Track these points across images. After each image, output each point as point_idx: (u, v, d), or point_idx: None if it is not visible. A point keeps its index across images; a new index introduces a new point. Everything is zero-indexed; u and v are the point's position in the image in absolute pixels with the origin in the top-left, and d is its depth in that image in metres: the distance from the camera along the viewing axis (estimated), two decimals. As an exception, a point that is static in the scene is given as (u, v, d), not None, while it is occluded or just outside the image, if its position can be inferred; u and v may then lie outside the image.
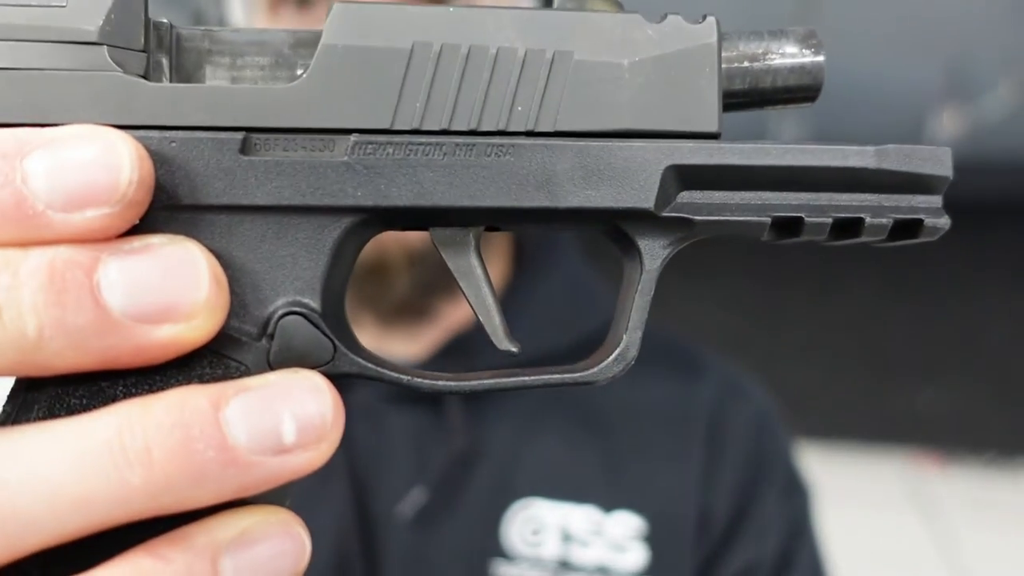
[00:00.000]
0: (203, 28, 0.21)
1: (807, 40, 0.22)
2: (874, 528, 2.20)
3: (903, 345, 2.84)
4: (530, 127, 0.20)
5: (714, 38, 0.21)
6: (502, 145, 0.20)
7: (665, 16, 0.21)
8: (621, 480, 0.55)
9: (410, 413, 0.56)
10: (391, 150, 0.20)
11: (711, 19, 0.21)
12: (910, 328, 2.84)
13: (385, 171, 0.20)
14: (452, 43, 0.20)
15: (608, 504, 0.54)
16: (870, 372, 2.84)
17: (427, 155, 0.20)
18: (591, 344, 0.59)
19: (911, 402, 2.80)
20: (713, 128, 0.21)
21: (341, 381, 0.20)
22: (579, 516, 0.54)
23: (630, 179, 0.20)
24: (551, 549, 0.54)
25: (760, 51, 0.22)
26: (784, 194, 0.22)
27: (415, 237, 0.50)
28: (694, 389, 0.60)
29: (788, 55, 0.22)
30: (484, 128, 0.20)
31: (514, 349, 0.23)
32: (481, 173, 0.20)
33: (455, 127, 0.20)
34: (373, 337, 0.57)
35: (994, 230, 2.79)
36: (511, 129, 0.20)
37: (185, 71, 0.20)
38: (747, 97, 0.22)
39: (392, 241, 0.50)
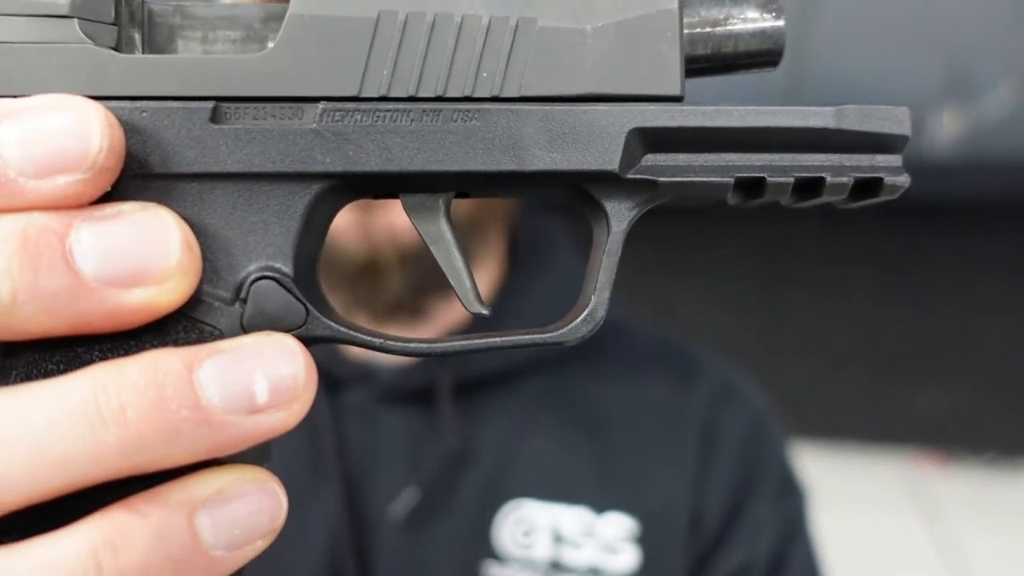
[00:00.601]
0: (174, 3, 0.21)
1: (767, 5, 0.22)
2: (873, 528, 2.20)
3: (903, 345, 2.84)
4: (495, 92, 0.21)
5: (675, 3, 0.21)
6: (468, 110, 0.20)
7: None
8: (613, 481, 0.55)
9: (402, 414, 0.56)
10: (359, 117, 0.20)
11: None
12: (910, 328, 2.84)
13: (353, 137, 0.20)
14: (417, 11, 0.20)
15: (600, 505, 0.54)
16: (870, 372, 2.84)
17: (394, 121, 0.20)
18: (588, 342, 0.60)
19: (911, 402, 2.80)
20: (676, 91, 0.21)
21: (316, 351, 0.20)
22: (571, 517, 0.54)
23: (595, 142, 0.21)
24: (542, 550, 0.53)
25: (722, 16, 0.22)
26: (747, 155, 0.22)
27: (407, 237, 0.51)
28: (688, 391, 0.60)
29: (749, 20, 0.22)
30: (450, 94, 0.20)
31: (485, 312, 0.23)
32: (448, 138, 0.21)
33: (422, 93, 0.20)
34: None
35: (994, 230, 2.78)
36: (477, 95, 0.20)
37: (157, 45, 0.21)
38: (710, 62, 0.22)
39: (385, 241, 0.50)
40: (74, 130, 0.18)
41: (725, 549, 0.56)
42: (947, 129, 2.15)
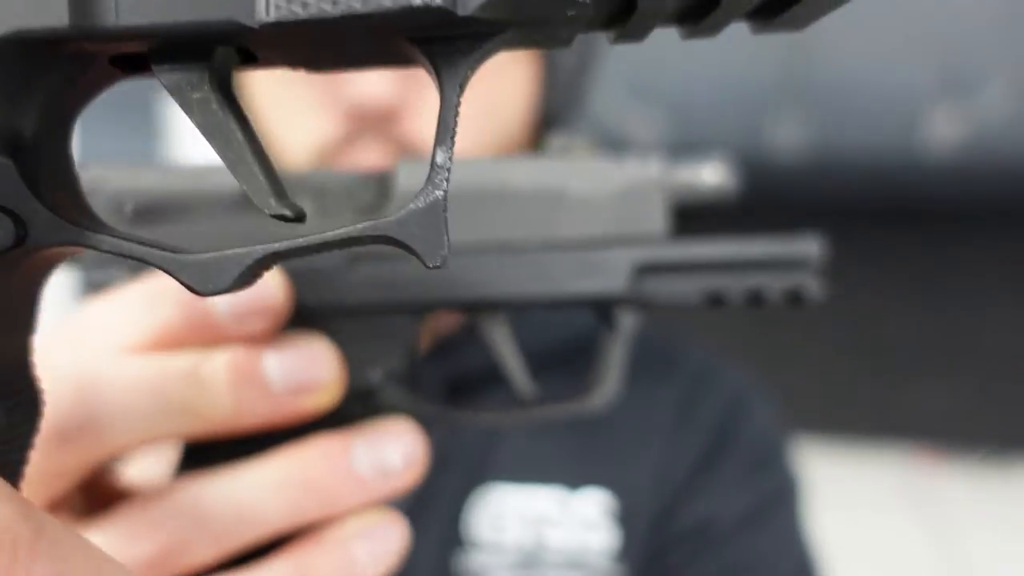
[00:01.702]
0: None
1: (719, 167, 0.31)
2: (871, 523, 2.22)
3: (901, 343, 2.85)
4: (541, 238, 0.30)
5: (659, 173, 0.30)
6: (526, 251, 0.30)
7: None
8: (588, 459, 0.56)
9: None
10: None
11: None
12: (908, 326, 2.86)
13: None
14: None
15: (574, 483, 0.55)
16: (868, 369, 2.85)
17: None
18: (585, 340, 0.61)
19: (909, 398, 2.82)
20: (660, 232, 0.30)
21: None
22: (545, 496, 0.55)
23: (610, 272, 0.30)
24: (516, 533, 0.54)
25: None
26: (718, 276, 0.30)
27: None
28: (664, 384, 0.60)
29: (709, 180, 0.31)
30: None
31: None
32: (512, 270, 0.29)
33: None
34: None
35: (991, 230, 2.80)
36: (529, 240, 0.30)
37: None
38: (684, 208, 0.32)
39: None
40: (265, 290, 0.25)
41: (687, 501, 0.56)
42: (942, 131, 2.17)
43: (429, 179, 0.19)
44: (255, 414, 0.25)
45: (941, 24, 1.74)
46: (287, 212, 0.20)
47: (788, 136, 2.42)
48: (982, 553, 2.18)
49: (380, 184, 0.27)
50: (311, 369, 0.26)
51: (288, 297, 0.26)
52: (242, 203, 0.26)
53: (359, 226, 0.19)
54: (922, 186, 2.72)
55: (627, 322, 0.30)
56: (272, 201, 0.20)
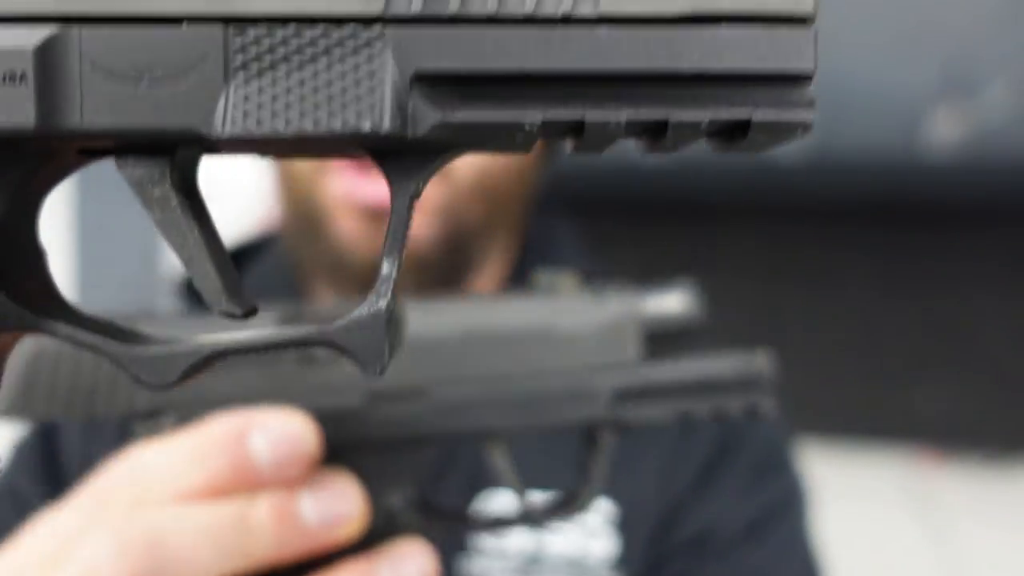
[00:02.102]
0: None
1: (685, 295, 0.38)
2: (872, 524, 2.22)
3: (901, 343, 2.85)
4: (533, 372, 0.36)
5: (634, 309, 0.35)
6: (522, 384, 0.36)
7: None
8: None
9: None
10: None
11: None
12: (908, 327, 2.85)
13: None
14: None
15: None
16: (868, 369, 2.85)
17: None
18: None
19: (909, 399, 2.81)
20: (634, 360, 0.36)
21: None
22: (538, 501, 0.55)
23: (593, 400, 0.36)
24: (517, 539, 0.54)
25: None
26: (682, 399, 0.36)
27: (422, 239, 0.52)
28: None
29: (676, 308, 0.36)
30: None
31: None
32: (509, 403, 0.35)
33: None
34: None
35: (992, 230, 2.79)
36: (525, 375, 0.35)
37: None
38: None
39: None
40: (300, 441, 0.29)
41: (689, 509, 0.56)
42: (944, 130, 2.17)
43: (374, 289, 0.20)
44: (294, 550, 0.29)
45: (942, 23, 1.74)
46: (236, 311, 0.20)
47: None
48: (983, 554, 2.18)
49: None
50: (341, 505, 0.30)
51: (318, 442, 0.29)
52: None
53: (305, 330, 0.21)
54: (924, 186, 2.71)
55: (608, 441, 0.35)
56: (223, 299, 0.20)
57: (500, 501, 0.56)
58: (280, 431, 0.28)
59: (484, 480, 0.56)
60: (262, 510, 0.28)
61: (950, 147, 2.33)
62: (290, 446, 0.29)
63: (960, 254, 2.89)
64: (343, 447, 0.30)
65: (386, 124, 0.18)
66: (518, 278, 0.62)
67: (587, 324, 0.31)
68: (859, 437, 2.82)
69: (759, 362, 0.34)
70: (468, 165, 0.49)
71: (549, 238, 0.64)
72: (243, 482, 0.28)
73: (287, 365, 0.29)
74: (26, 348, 0.29)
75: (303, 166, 0.51)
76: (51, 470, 0.66)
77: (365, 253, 0.53)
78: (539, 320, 0.31)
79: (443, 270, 0.53)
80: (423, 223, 0.50)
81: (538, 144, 0.29)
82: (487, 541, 0.55)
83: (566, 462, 0.56)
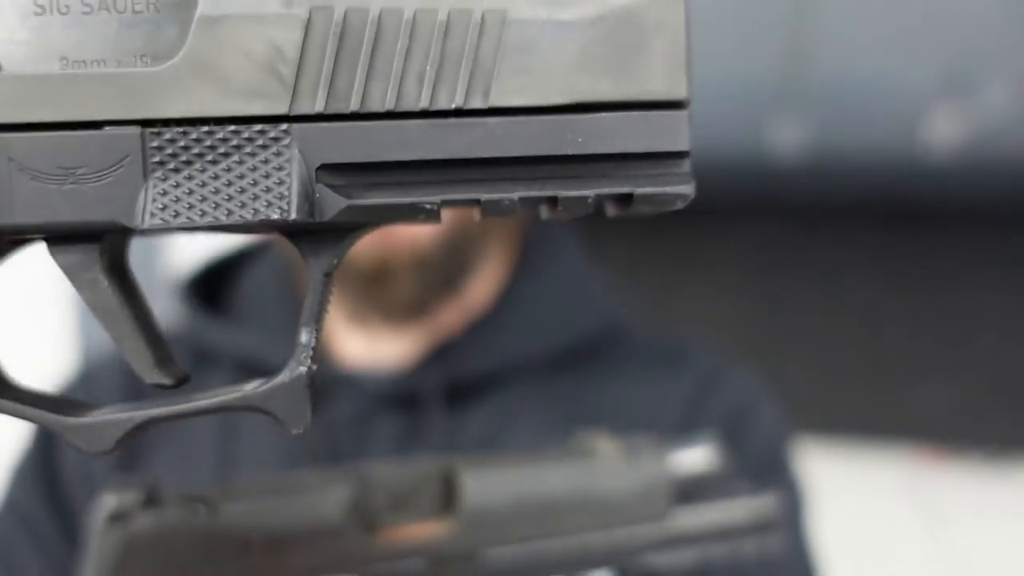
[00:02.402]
0: None
1: (708, 449, 0.41)
2: (872, 523, 2.22)
3: (901, 342, 2.85)
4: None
5: (667, 473, 0.37)
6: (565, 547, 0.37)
7: None
8: None
9: (391, 421, 0.57)
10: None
11: None
12: (908, 326, 2.85)
13: None
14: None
15: None
16: (868, 368, 2.85)
17: None
18: (590, 344, 0.62)
19: (910, 398, 2.82)
20: (661, 517, 0.35)
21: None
22: None
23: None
24: None
25: None
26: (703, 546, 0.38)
27: (424, 239, 0.52)
28: (672, 384, 0.60)
29: (700, 463, 0.40)
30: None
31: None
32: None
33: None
34: (372, 339, 0.58)
35: (992, 229, 2.79)
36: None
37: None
38: None
39: (400, 244, 0.51)
40: None
41: None
42: (945, 130, 2.17)
43: (294, 355, 0.21)
44: None
45: (943, 23, 1.74)
46: (166, 381, 0.22)
47: (788, 136, 2.42)
48: (984, 553, 2.18)
49: (449, 489, 0.34)
50: None
51: None
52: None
53: (231, 396, 0.22)
54: (924, 186, 2.71)
55: None
56: (154, 371, 0.22)
57: None
58: None
59: None
60: None
61: (950, 147, 2.33)
62: None
63: (960, 254, 2.89)
64: None
65: (293, 213, 0.20)
66: (518, 279, 0.62)
67: (623, 488, 0.35)
68: (859, 436, 2.82)
69: (770, 506, 0.38)
70: None
71: (547, 239, 0.64)
72: None
73: (352, 532, 0.30)
74: (116, 536, 0.29)
75: None
76: (51, 487, 0.66)
77: (357, 251, 0.53)
78: (579, 486, 0.35)
79: (443, 271, 0.54)
80: (426, 228, 0.50)
81: None
82: None
83: None
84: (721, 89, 2.41)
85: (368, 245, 0.52)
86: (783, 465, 0.62)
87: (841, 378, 2.93)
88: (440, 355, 0.58)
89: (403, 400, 0.57)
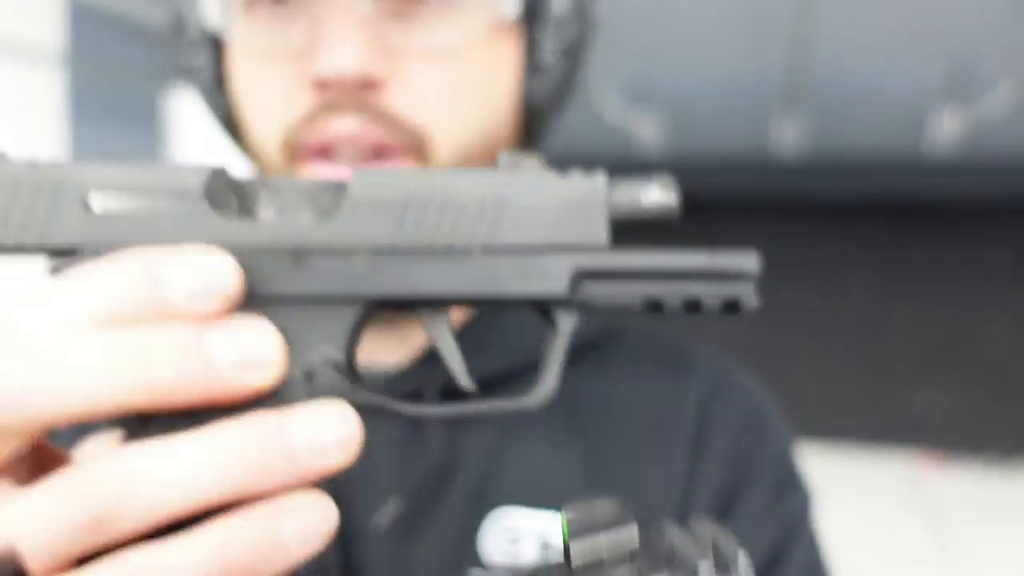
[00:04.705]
0: (259, 178, 0.31)
1: (665, 186, 0.33)
2: (873, 527, 2.21)
3: (902, 345, 2.84)
4: (484, 242, 0.31)
5: (603, 186, 0.32)
6: (469, 254, 0.31)
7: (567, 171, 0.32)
8: (602, 487, 0.55)
9: (388, 422, 0.56)
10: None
11: (600, 175, 0.32)
12: (909, 328, 2.85)
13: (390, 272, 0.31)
14: (432, 201, 0.31)
15: None
16: (869, 372, 2.84)
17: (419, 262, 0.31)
18: (583, 345, 0.60)
19: (910, 402, 2.81)
20: (603, 242, 0.31)
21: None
22: (558, 524, 0.53)
23: (551, 276, 0.31)
24: (530, 558, 0.53)
25: (635, 193, 0.33)
26: (653, 284, 0.32)
27: None
28: (681, 388, 0.59)
29: (654, 197, 0.33)
30: (455, 243, 0.30)
31: (472, 387, 0.33)
32: (453, 271, 0.31)
33: (438, 243, 0.30)
34: (368, 340, 0.57)
35: (994, 230, 2.79)
36: (471, 245, 0.31)
37: (245, 209, 0.30)
38: (627, 223, 0.33)
39: None
40: (220, 274, 0.27)
41: None
42: (947, 129, 2.16)
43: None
44: (197, 388, 0.26)
45: (947, 24, 1.73)
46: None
47: (790, 136, 2.41)
48: (986, 557, 2.17)
49: (336, 191, 0.31)
50: (253, 347, 0.27)
51: (240, 283, 0.27)
52: (204, 201, 0.29)
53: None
54: (926, 188, 2.70)
55: (567, 323, 0.32)
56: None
57: (511, 521, 0.55)
58: (198, 261, 0.26)
59: (490, 501, 0.55)
60: (166, 338, 0.25)
61: (954, 149, 2.32)
62: (208, 278, 0.26)
63: (963, 256, 2.88)
64: (265, 299, 0.29)
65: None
66: None
67: (549, 199, 0.30)
68: (860, 439, 2.81)
69: (744, 257, 0.32)
70: (447, 147, 0.47)
71: None
72: (152, 312, 0.26)
73: (215, 213, 0.28)
74: None
75: (276, 156, 0.50)
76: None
77: None
78: (493, 191, 0.30)
79: None
80: None
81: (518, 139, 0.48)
82: (499, 557, 0.54)
83: (580, 479, 0.55)
84: (724, 89, 2.41)
85: None
86: (794, 478, 0.60)
87: (842, 382, 2.92)
88: (432, 359, 0.57)
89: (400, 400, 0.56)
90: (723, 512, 0.55)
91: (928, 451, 2.78)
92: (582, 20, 0.53)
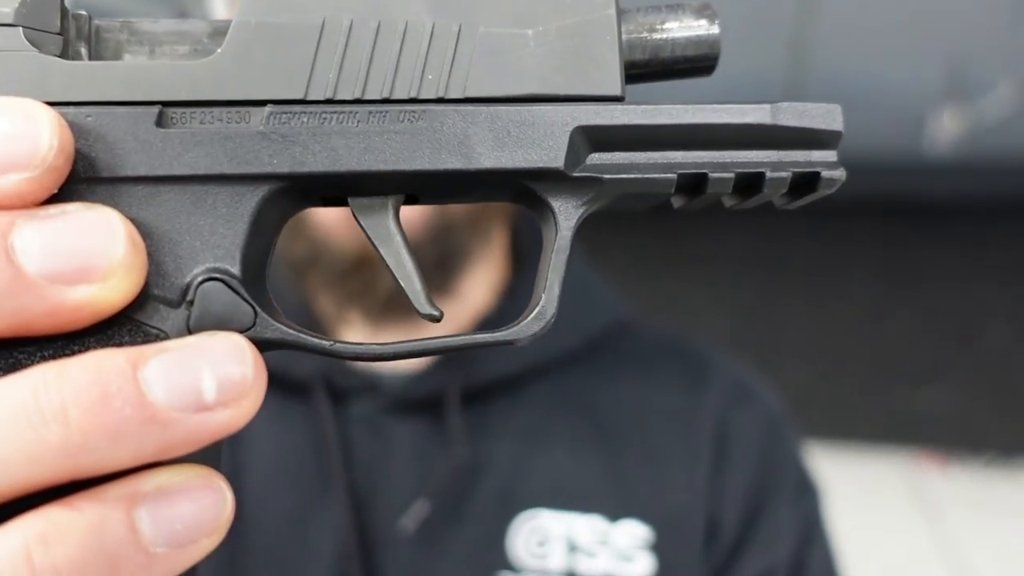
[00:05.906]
0: (121, 20, 0.21)
1: (702, 11, 0.23)
2: (874, 528, 2.20)
3: (903, 345, 2.84)
4: (440, 94, 0.21)
5: (613, 9, 0.21)
6: (414, 111, 0.21)
7: None
8: (627, 488, 0.54)
9: (410, 424, 0.55)
10: (305, 119, 0.20)
11: None
12: (910, 328, 2.84)
13: (300, 139, 0.20)
14: (362, 17, 0.20)
15: (614, 513, 0.53)
16: (870, 372, 2.84)
17: (341, 123, 0.20)
18: (599, 342, 0.59)
19: (911, 402, 2.80)
20: (616, 92, 0.21)
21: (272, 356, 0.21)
22: (585, 526, 0.53)
23: (540, 140, 0.21)
24: (557, 560, 0.52)
25: (658, 23, 0.23)
26: (689, 153, 0.22)
27: (408, 231, 0.50)
28: (701, 392, 0.59)
29: (685, 27, 0.23)
30: (396, 96, 0.20)
31: (436, 313, 0.23)
32: (395, 139, 0.21)
33: (368, 96, 0.20)
34: (363, 335, 0.56)
35: (994, 230, 2.78)
36: (422, 96, 0.20)
37: (103, 59, 0.21)
38: (648, 67, 0.23)
39: None
40: (24, 130, 0.18)
41: (744, 556, 0.55)
42: (947, 129, 2.15)
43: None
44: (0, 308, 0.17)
45: (948, 24, 1.72)
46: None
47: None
48: (985, 558, 2.17)
49: (219, 28, 0.22)
50: (85, 249, 0.18)
51: (64, 144, 0.18)
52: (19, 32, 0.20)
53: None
54: (927, 188, 2.70)
55: (567, 219, 0.22)
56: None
57: (539, 523, 0.55)
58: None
59: (518, 503, 0.54)
60: None
61: (954, 149, 2.32)
62: (13, 140, 0.18)
63: (963, 256, 2.88)
64: (112, 180, 0.20)
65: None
66: (517, 279, 0.60)
67: (537, 29, 0.21)
68: (861, 440, 2.80)
69: (823, 109, 0.23)
70: None
71: (538, 240, 0.62)
72: None
73: (35, 49, 0.20)
74: None
75: None
76: None
77: (344, 242, 0.51)
78: (456, 14, 0.21)
79: (430, 262, 0.52)
80: (409, 212, 0.48)
81: None
82: (528, 560, 0.54)
83: (605, 483, 0.54)
84: (724, 89, 2.38)
85: (345, 235, 0.50)
86: (809, 480, 0.61)
87: (843, 382, 2.91)
88: (451, 362, 0.57)
89: (419, 405, 0.55)
90: (753, 515, 0.55)
91: (929, 451, 2.77)
92: None
